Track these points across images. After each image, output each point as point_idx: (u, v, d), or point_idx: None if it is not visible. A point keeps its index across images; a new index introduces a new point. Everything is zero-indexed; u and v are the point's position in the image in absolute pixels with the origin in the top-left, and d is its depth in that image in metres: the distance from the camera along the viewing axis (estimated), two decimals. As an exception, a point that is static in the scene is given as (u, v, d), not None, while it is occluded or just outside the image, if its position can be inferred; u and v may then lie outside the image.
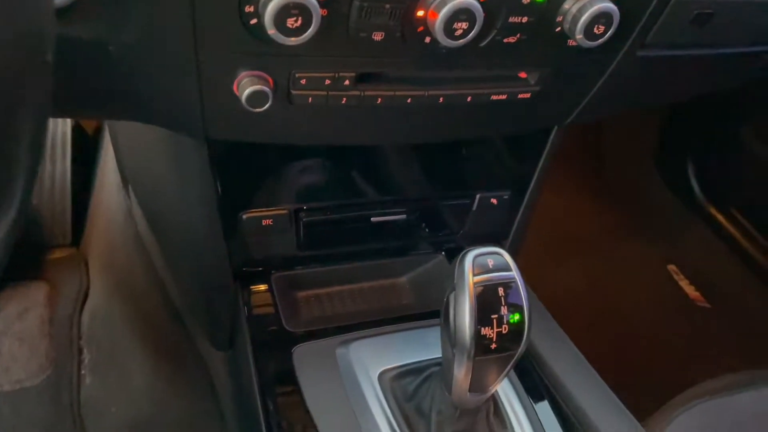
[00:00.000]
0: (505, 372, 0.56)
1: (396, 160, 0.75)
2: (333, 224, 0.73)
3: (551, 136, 0.77)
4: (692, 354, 1.38)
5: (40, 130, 0.37)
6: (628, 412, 0.68)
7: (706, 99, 1.58)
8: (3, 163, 0.33)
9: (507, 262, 0.55)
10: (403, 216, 0.77)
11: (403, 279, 0.85)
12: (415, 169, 0.77)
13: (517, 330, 0.54)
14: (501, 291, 0.54)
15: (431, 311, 0.72)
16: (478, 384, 0.56)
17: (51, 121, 1.25)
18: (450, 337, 0.54)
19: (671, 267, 1.62)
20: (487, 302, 0.53)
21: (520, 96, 0.66)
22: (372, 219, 0.75)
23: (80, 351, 1.11)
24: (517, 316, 0.54)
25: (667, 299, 1.55)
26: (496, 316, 0.53)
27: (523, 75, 0.66)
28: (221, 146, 0.63)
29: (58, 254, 1.27)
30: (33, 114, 0.35)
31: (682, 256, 1.63)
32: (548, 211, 1.68)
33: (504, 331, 0.54)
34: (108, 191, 1.22)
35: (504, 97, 0.65)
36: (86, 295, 1.19)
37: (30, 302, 1.16)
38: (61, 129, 1.25)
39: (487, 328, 0.53)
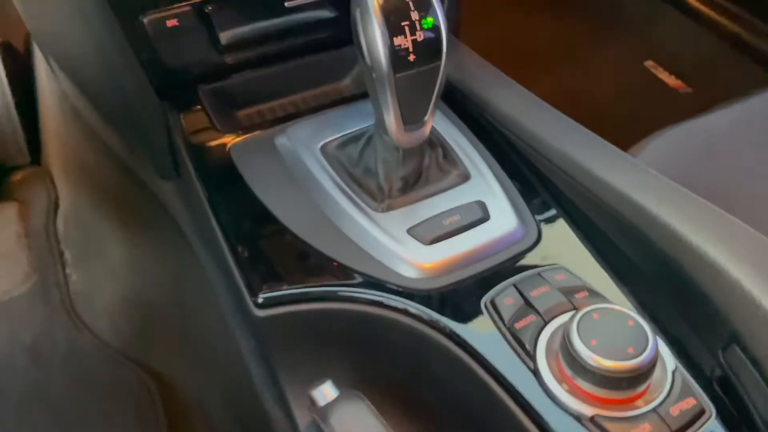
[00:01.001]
0: (435, 94, 0.53)
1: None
2: (246, 15, 0.68)
3: None
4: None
5: None
6: (599, 137, 0.64)
7: None
8: None
9: (409, -34, 0.50)
10: (321, -2, 0.72)
11: (347, 80, 0.81)
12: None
13: (434, 36, 0.50)
14: (408, -5, 0.50)
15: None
16: (409, 113, 0.53)
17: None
18: (365, 59, 0.51)
19: (648, 63, 1.57)
20: (394, 9, 0.49)
21: None
22: (285, 4, 0.70)
23: (61, 254, 1.10)
24: (430, 21, 0.50)
25: (647, 93, 1.50)
26: (407, 22, 0.49)
27: None
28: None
29: (21, 175, 1.25)
30: None
31: (657, 48, 1.57)
32: (513, 31, 1.61)
33: (419, 39, 0.50)
34: (47, 95, 1.18)
35: None
36: (57, 205, 1.18)
37: (2, 221, 1.15)
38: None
39: (399, 37, 0.49)
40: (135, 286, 0.99)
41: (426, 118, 0.55)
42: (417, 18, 0.50)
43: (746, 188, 0.71)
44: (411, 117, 0.54)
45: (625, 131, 0.95)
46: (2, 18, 1.26)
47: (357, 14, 0.50)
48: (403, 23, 0.49)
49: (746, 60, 1.44)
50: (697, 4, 1.53)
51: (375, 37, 0.49)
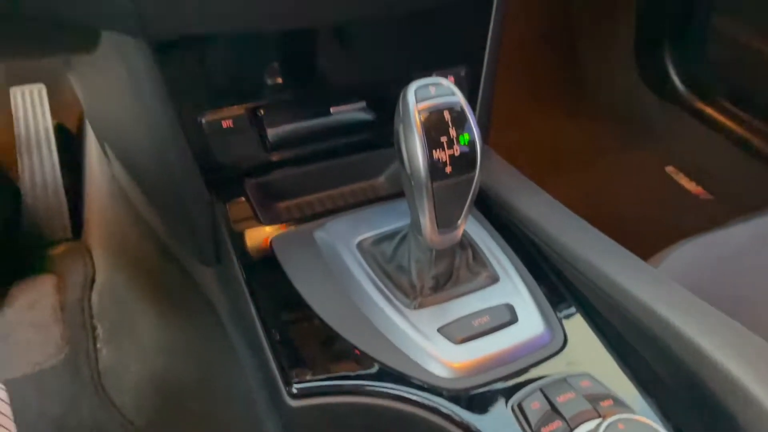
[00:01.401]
0: (468, 201, 0.57)
1: (347, 46, 0.76)
2: (294, 118, 0.74)
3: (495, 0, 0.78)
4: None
5: None
6: (622, 247, 0.67)
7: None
8: None
9: (450, 88, 0.55)
10: (363, 104, 0.78)
11: (381, 179, 0.86)
12: (368, 54, 0.77)
13: (469, 151, 0.55)
14: (447, 114, 0.54)
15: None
16: (444, 217, 0.57)
17: (31, 120, 1.29)
18: (406, 169, 0.55)
19: (669, 168, 1.61)
20: (434, 126, 0.54)
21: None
22: (331, 109, 0.76)
23: (93, 328, 1.13)
24: (466, 137, 0.55)
25: (668, 198, 1.53)
26: (445, 138, 0.54)
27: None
28: (166, 50, 0.65)
29: (61, 249, 1.30)
30: None
31: (678, 155, 1.62)
32: (537, 135, 1.68)
33: (456, 153, 0.54)
34: (96, 176, 1.25)
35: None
36: (93, 280, 1.22)
37: (39, 294, 1.19)
38: (42, 126, 1.29)
39: (438, 150, 0.54)
40: (164, 365, 1.01)
41: (459, 222, 0.58)
42: (454, 135, 0.54)
43: (766, 303, 0.73)
44: (445, 221, 0.57)
45: (647, 235, 0.98)
46: (58, 101, 1.36)
47: (400, 129, 0.55)
48: (441, 138, 0.54)
49: (765, 170, 1.48)
50: (718, 115, 1.59)
51: (416, 149, 0.53)
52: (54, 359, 1.09)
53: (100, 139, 1.05)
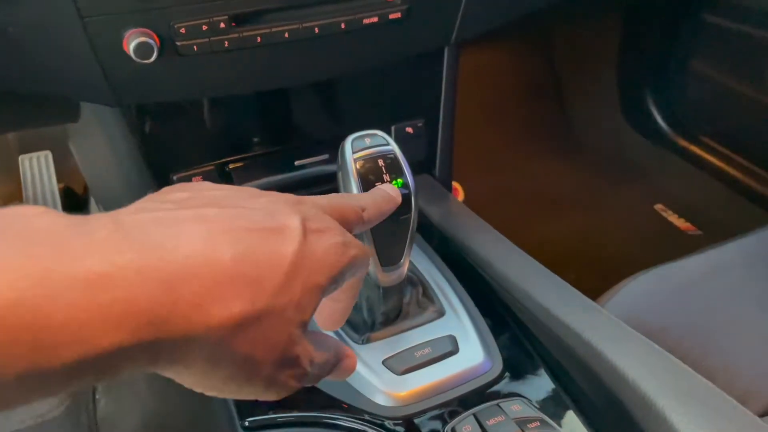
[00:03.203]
0: (408, 240, 0.61)
1: (310, 103, 0.82)
2: (261, 172, 0.80)
3: (445, 57, 0.84)
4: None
5: None
6: (564, 281, 0.70)
7: (653, 34, 1.65)
8: None
9: (384, 138, 0.61)
10: (326, 156, 0.83)
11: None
12: (330, 110, 0.84)
13: (404, 194, 0.59)
14: (381, 162, 0.59)
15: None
16: (386, 256, 0.61)
17: (38, 185, 1.37)
18: (346, 213, 0.60)
19: (658, 206, 1.64)
20: (369, 172, 0.59)
21: (391, 17, 0.73)
22: (295, 163, 0.82)
23: (95, 380, 1.18)
24: (400, 182, 0.60)
25: (658, 235, 1.56)
26: (380, 183, 0.59)
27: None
28: (139, 112, 0.72)
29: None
30: None
31: (666, 193, 1.65)
32: (524, 177, 1.73)
33: (390, 196, 0.59)
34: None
35: (375, 19, 0.73)
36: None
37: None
38: (49, 190, 1.37)
39: (373, 194, 0.59)
40: (157, 411, 1.05)
41: (402, 260, 0.63)
42: (388, 179, 0.59)
43: (720, 332, 0.75)
44: (388, 260, 0.62)
45: (634, 270, 1.01)
46: (65, 166, 1.45)
47: (339, 176, 0.60)
48: (376, 184, 0.59)
49: (750, 204, 1.50)
50: (701, 153, 1.62)
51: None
52: (56, 411, 1.14)
53: (98, 202, 1.13)
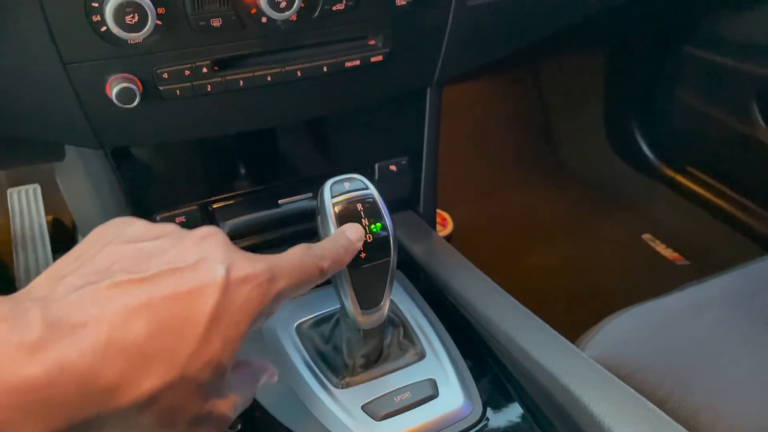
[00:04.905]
0: (387, 283, 0.61)
1: (293, 142, 0.83)
2: (244, 212, 0.81)
3: (427, 98, 0.85)
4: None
5: None
6: (544, 323, 0.70)
7: (638, 66, 1.67)
8: None
9: (363, 183, 0.61)
10: (310, 194, 0.84)
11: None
12: (313, 149, 0.85)
13: (382, 238, 0.60)
14: (359, 206, 0.60)
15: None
16: (366, 299, 0.61)
17: (27, 218, 1.38)
18: (325, 257, 0.60)
19: (646, 236, 1.65)
20: (347, 217, 0.59)
21: (373, 60, 0.74)
22: (279, 201, 0.82)
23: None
24: (378, 226, 0.60)
25: (645, 265, 1.56)
26: (357, 227, 0.60)
27: (372, 42, 0.75)
28: (122, 154, 0.73)
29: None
30: None
31: (653, 222, 1.66)
32: (515, 207, 1.74)
33: (369, 240, 0.59)
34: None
35: (357, 63, 0.73)
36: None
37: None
38: (37, 223, 1.37)
39: (352, 239, 0.59)
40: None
41: (382, 303, 0.63)
42: (367, 224, 0.60)
43: (703, 371, 0.75)
44: (367, 303, 0.62)
45: (623, 302, 1.01)
46: (54, 198, 1.45)
47: (318, 220, 0.61)
48: (352, 228, 0.59)
49: (739, 235, 1.51)
50: (687, 182, 1.64)
51: (331, 239, 0.59)
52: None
53: (84, 235, 1.13)
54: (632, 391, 0.56)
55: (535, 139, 1.85)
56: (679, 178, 1.65)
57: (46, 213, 1.40)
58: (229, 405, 0.41)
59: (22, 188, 1.37)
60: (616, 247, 1.61)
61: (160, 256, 0.38)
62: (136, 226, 0.42)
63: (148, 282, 0.36)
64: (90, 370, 0.31)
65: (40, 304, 0.33)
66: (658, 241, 1.63)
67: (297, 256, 0.46)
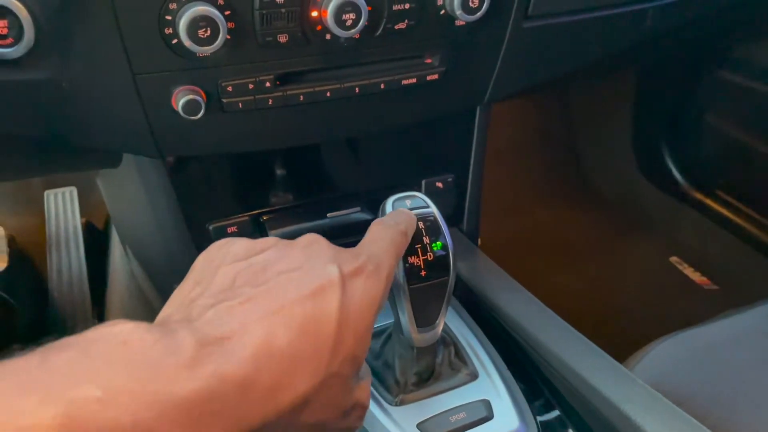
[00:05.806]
0: (444, 302, 0.62)
1: (342, 157, 0.84)
2: (294, 222, 0.81)
3: (477, 116, 0.86)
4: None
5: None
6: (597, 347, 0.70)
7: (669, 89, 1.67)
8: None
9: (424, 201, 0.62)
10: (358, 209, 0.85)
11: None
12: (362, 164, 0.86)
13: (442, 256, 0.60)
14: (421, 224, 0.60)
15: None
16: (422, 317, 0.62)
17: (62, 220, 1.39)
18: (385, 275, 0.60)
19: (674, 259, 1.64)
20: (410, 235, 0.60)
21: (429, 78, 0.75)
22: (328, 215, 0.83)
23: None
24: (439, 244, 0.60)
25: (673, 289, 1.56)
26: (419, 245, 0.60)
27: (428, 60, 0.76)
28: (178, 164, 0.73)
29: (82, 340, 1.36)
30: None
31: (681, 245, 1.65)
32: (541, 225, 1.74)
33: (430, 259, 0.60)
34: (118, 272, 1.33)
35: (414, 80, 0.74)
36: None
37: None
38: (72, 225, 1.38)
39: (413, 257, 0.59)
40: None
41: (437, 321, 0.63)
42: (428, 242, 0.60)
43: (745, 400, 0.75)
44: (423, 321, 0.62)
45: (650, 326, 1.01)
46: (87, 202, 1.47)
47: (380, 237, 0.61)
48: (416, 246, 0.60)
49: (766, 260, 1.50)
50: (716, 206, 1.63)
51: (393, 256, 0.59)
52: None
53: (123, 241, 1.14)
54: (689, 417, 0.56)
55: (562, 158, 1.85)
56: (708, 201, 1.65)
57: (80, 215, 1.42)
58: (367, 392, 0.44)
59: (59, 190, 1.39)
60: (644, 270, 1.61)
61: (273, 267, 0.40)
62: (238, 244, 0.43)
63: (273, 291, 0.37)
64: (247, 378, 0.33)
65: (185, 325, 0.34)
66: (686, 264, 1.62)
67: (381, 235, 0.49)
